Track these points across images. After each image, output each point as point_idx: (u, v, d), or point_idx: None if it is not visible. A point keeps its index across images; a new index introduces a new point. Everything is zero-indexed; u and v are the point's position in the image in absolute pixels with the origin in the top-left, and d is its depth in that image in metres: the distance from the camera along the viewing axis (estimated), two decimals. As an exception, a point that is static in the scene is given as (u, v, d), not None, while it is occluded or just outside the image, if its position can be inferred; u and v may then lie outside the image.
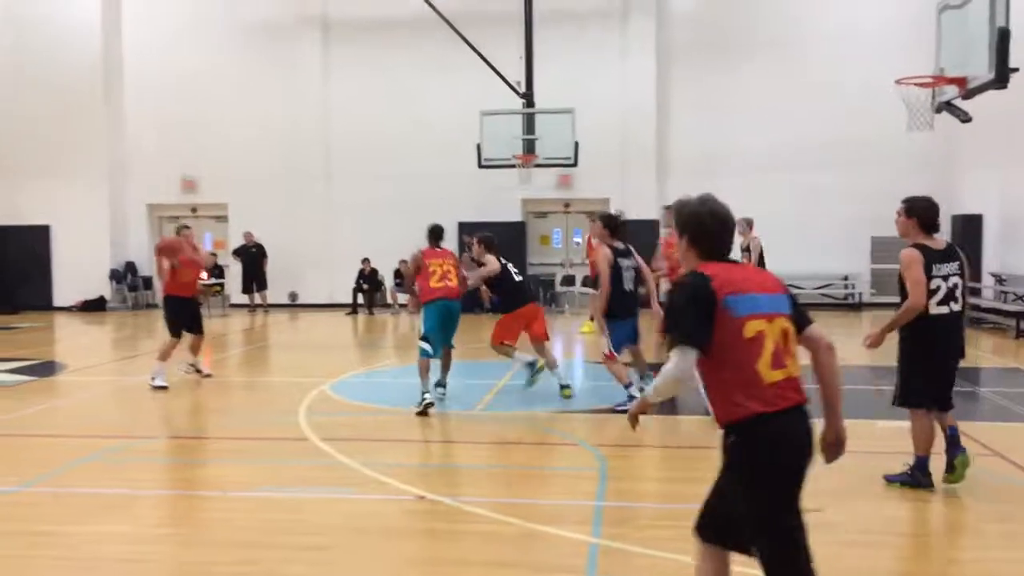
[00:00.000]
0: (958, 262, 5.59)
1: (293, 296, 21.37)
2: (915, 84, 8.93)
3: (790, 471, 3.08)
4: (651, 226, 16.18)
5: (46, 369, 12.11)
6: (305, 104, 20.96)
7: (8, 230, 21.40)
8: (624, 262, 8.29)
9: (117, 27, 21.41)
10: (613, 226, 8.46)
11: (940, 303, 5.49)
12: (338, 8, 20.91)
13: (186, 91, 21.05)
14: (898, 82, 9.08)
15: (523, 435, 7.78)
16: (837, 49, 19.06)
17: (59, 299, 21.42)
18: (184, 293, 10.44)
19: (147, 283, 21.80)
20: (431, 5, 17.70)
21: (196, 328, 10.66)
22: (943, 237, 5.77)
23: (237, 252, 20.75)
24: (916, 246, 5.55)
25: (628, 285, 8.29)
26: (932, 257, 5.50)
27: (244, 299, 20.78)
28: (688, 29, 20.15)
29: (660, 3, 20.15)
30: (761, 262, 13.07)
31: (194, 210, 21.95)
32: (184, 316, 10.44)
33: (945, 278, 5.49)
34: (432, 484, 6.07)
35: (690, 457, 6.79)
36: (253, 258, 20.60)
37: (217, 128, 20.99)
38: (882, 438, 6.96)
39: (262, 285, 20.61)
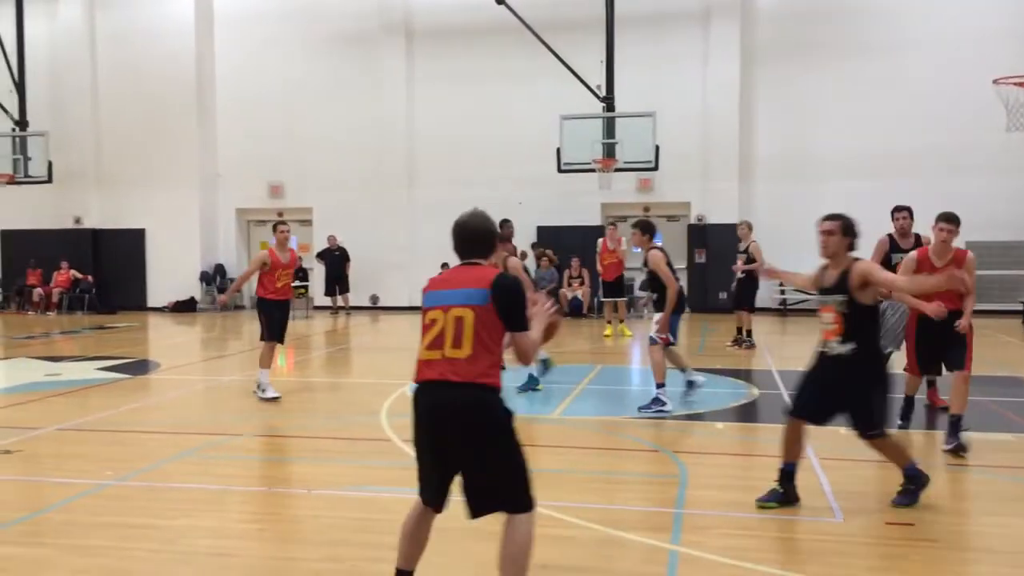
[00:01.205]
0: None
1: (375, 299, 21.74)
2: (1014, 83, 8.57)
3: (425, 434, 3.83)
4: (733, 230, 15.86)
5: (140, 368, 12.59)
6: (388, 110, 21.33)
7: (107, 234, 22.37)
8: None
9: (210, 43, 22.23)
10: (652, 232, 8.77)
11: None
12: (420, 16, 21.23)
13: (273, 100, 21.70)
14: (996, 82, 8.73)
15: (602, 440, 7.73)
16: (930, 52, 18.46)
17: (153, 300, 22.29)
18: (273, 296, 9.97)
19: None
20: (513, 11, 17.80)
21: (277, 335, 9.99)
22: None
23: (321, 255, 21.23)
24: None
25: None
26: None
27: (327, 301, 21.24)
28: (772, 30, 19.77)
29: (744, 4, 19.82)
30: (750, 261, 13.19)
31: (280, 214, 22.51)
32: (273, 320, 9.97)
33: None
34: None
35: (771, 466, 6.64)
36: (336, 261, 21.06)
37: (302, 135, 21.57)
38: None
39: (344, 288, 21.03)
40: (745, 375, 10.94)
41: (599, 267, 15.89)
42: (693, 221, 20.39)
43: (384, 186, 21.40)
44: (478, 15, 19.93)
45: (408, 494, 5.93)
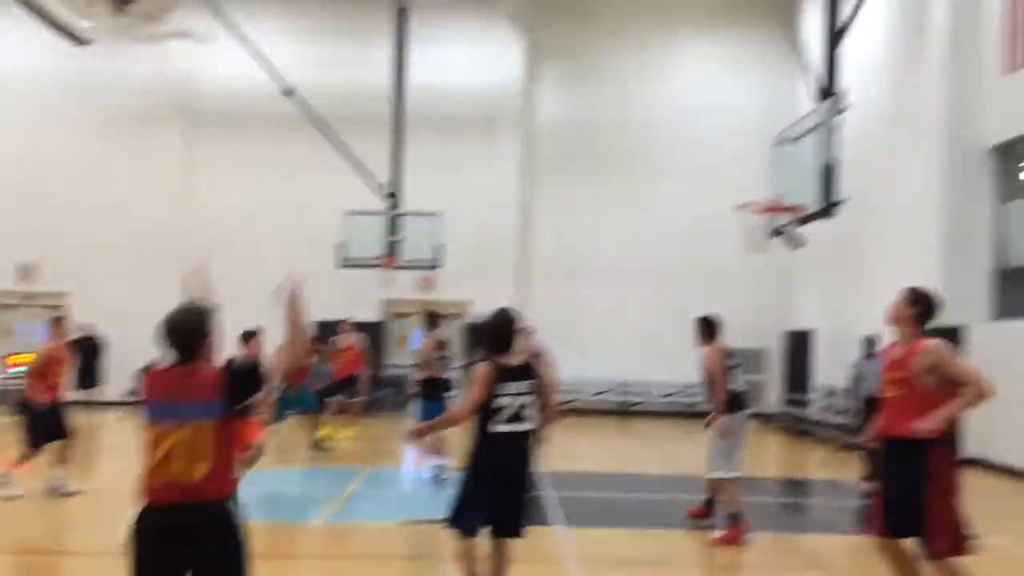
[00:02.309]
0: (529, 381, 5.33)
1: (133, 393, 20.15)
2: (752, 211, 9.56)
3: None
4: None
5: None
6: (165, 194, 20.37)
7: None
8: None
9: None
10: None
11: (506, 422, 5.17)
12: (204, 100, 20.66)
13: (33, 177, 20.09)
14: (737, 208, 9.71)
15: (369, 547, 7.46)
16: (689, 168, 20.40)
17: None
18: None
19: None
20: (303, 108, 17.70)
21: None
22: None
23: (72, 345, 19.45)
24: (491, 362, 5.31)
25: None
26: (502, 376, 5.23)
27: (77, 395, 19.41)
28: (552, 143, 21.04)
29: (526, 117, 20.99)
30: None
31: (30, 298, 20.60)
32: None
33: (516, 395, 5.21)
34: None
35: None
36: (90, 351, 19.38)
37: (65, 215, 20.05)
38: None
39: (97, 381, 19.36)
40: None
41: (334, 364, 14.33)
42: (472, 320, 20.79)
43: (156, 274, 20.12)
44: (266, 103, 19.57)
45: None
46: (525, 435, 5.22)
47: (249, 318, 19.45)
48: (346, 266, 17.57)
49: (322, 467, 11.74)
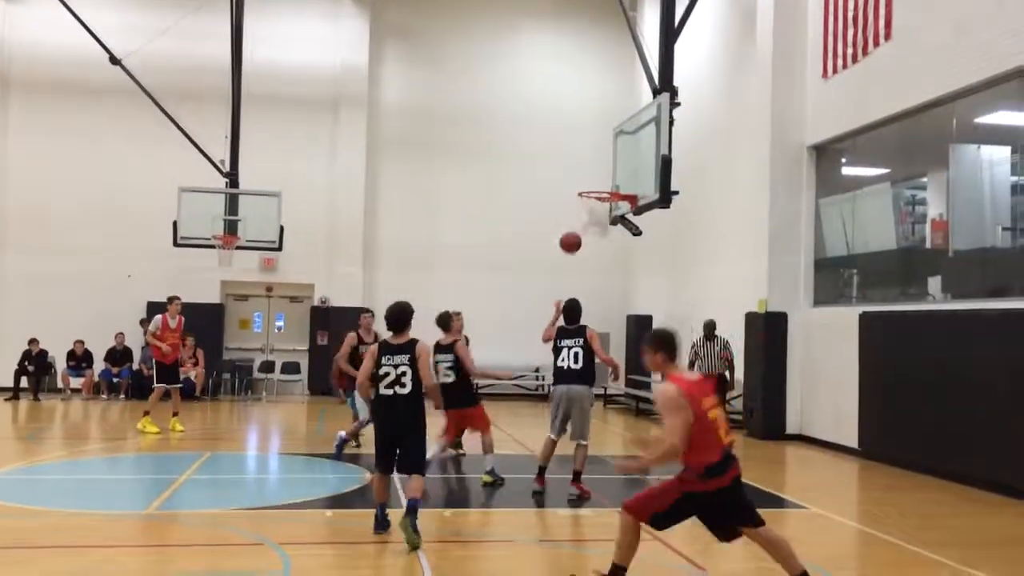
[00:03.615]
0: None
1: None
2: (595, 198, 9.87)
3: None
4: (356, 313, 16.15)
5: None
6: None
7: None
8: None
9: None
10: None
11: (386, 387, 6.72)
12: (21, 64, 19.20)
13: None
14: (580, 195, 9.99)
15: (200, 535, 7.22)
16: (531, 156, 20.78)
17: None
18: None
19: None
20: (130, 75, 16.74)
21: None
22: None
23: None
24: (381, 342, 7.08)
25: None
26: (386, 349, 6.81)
27: None
28: (396, 126, 20.87)
29: (370, 98, 20.70)
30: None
31: None
32: None
33: (396, 366, 6.70)
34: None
35: (361, 554, 6.69)
36: None
37: None
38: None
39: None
40: (356, 460, 10.96)
41: (162, 348, 12.88)
42: (316, 303, 20.40)
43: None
44: (94, 72, 18.36)
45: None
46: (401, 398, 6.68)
47: (66, 298, 18.53)
48: (181, 245, 16.80)
49: (162, 453, 11.29)
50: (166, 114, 16.94)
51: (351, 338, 11.13)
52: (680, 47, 10.48)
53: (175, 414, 12.99)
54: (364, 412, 10.16)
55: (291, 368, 20.23)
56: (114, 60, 16.74)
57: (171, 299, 13.19)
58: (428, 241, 20.55)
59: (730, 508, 5.01)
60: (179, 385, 13.33)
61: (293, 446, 12.77)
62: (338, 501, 8.57)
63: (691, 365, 12.93)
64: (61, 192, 19.08)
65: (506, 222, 20.61)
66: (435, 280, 19.92)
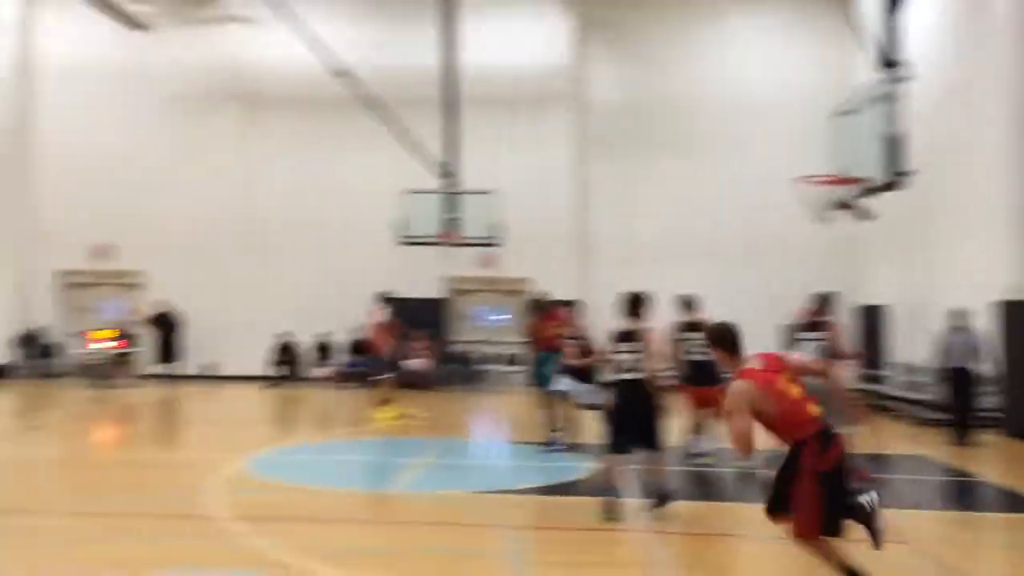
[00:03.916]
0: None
1: (209, 367, 20.86)
2: (813, 184, 9.47)
3: None
4: (570, 306, 16.44)
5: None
6: (225, 175, 20.93)
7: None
8: None
9: (31, 97, 21.21)
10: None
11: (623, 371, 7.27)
12: (259, 83, 21.10)
13: (105, 160, 20.82)
14: (797, 181, 9.60)
15: (445, 515, 7.71)
16: (747, 145, 20.15)
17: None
18: None
19: (54, 350, 21.04)
20: (355, 90, 17.89)
21: None
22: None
23: (151, 320, 20.25)
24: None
25: None
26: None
27: (158, 369, 20.20)
28: (605, 121, 20.95)
29: (577, 95, 20.94)
30: None
31: (107, 277, 21.45)
32: None
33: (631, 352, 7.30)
34: (345, 566, 5.96)
35: (592, 540, 6.83)
36: (168, 326, 20.13)
37: (137, 197, 20.76)
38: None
39: (176, 355, 20.10)
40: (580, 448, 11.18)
41: (379, 341, 14.02)
42: (534, 297, 20.91)
43: (221, 252, 20.81)
44: (319, 85, 19.70)
45: (218, 575, 5.72)
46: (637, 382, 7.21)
47: (309, 293, 20.15)
48: (404, 243, 17.83)
49: (396, 438, 12.10)
50: (384, 122, 17.97)
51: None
52: (905, 14, 9.78)
53: (387, 402, 13.64)
54: (585, 397, 10.21)
55: (511, 360, 20.91)
56: (339, 73, 17.97)
57: (379, 297, 14.14)
58: (641, 235, 20.48)
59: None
60: (393, 375, 14.01)
61: (518, 434, 13.24)
62: (566, 488, 8.78)
63: (942, 360, 11.95)
64: (298, 197, 20.77)
65: (719, 211, 20.16)
66: (650, 274, 19.76)
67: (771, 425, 4.94)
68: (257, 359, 20.27)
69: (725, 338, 5.23)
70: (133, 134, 20.94)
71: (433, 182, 17.98)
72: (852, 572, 4.92)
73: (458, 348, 20.97)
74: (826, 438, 4.87)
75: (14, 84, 20.84)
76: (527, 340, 12.35)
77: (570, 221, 20.65)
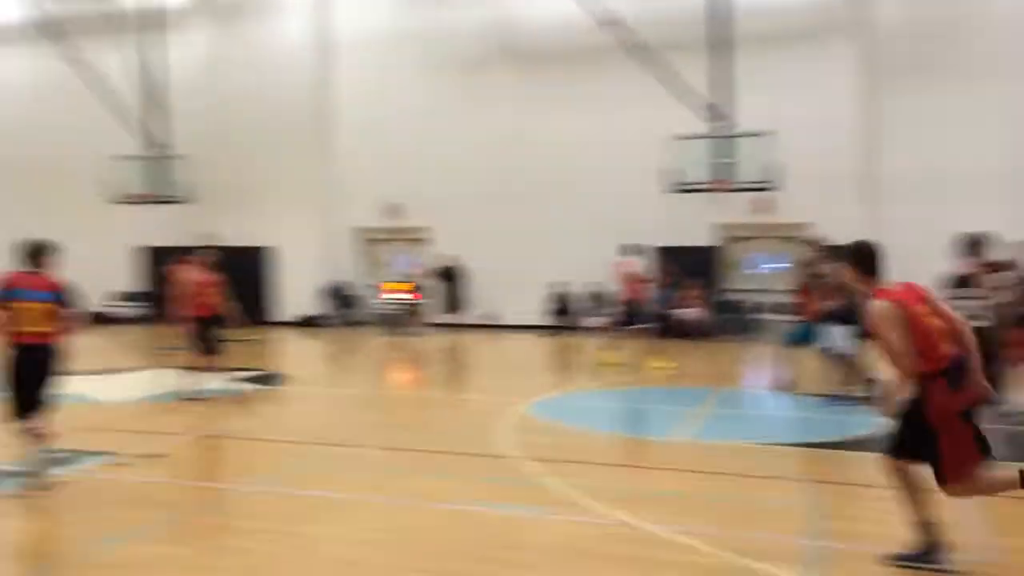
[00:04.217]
0: None
1: (490, 316, 22.04)
2: None
3: None
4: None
5: (272, 380, 13.19)
6: (502, 131, 21.66)
7: (238, 251, 23.47)
8: None
9: (329, 68, 23.09)
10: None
11: None
12: (527, 40, 21.55)
13: (391, 122, 22.35)
14: None
15: (731, 465, 7.62)
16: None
17: (282, 315, 23.24)
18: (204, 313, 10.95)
19: (356, 301, 23.24)
20: (622, 38, 17.81)
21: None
22: None
23: (437, 273, 21.72)
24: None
25: None
26: None
27: (443, 319, 21.67)
28: (898, 46, 19.08)
29: (865, 21, 19.24)
30: None
31: (399, 233, 23.26)
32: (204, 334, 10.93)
33: None
34: (635, 510, 6.09)
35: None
36: (452, 279, 21.50)
37: (420, 155, 22.13)
38: None
39: (461, 305, 21.43)
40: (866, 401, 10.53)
41: (629, 290, 14.69)
42: (812, 242, 19.82)
43: (500, 206, 21.72)
44: (586, 36, 19.89)
45: (527, 511, 6.07)
46: None
47: (581, 243, 20.51)
48: (676, 191, 17.56)
49: (670, 388, 12.10)
50: (650, 67, 17.70)
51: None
52: None
53: (648, 352, 14.22)
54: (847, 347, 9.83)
55: (786, 309, 20.03)
56: (605, 22, 17.92)
57: (628, 248, 14.74)
58: (940, 172, 18.59)
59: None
60: (651, 325, 14.82)
61: (802, 386, 12.72)
62: (860, 444, 8.30)
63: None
64: (566, 149, 21.05)
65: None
66: (947, 214, 18.00)
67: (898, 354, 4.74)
68: (534, 309, 21.08)
69: (862, 254, 5.18)
70: (418, 96, 22.27)
71: (702, 127, 17.53)
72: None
73: (732, 297, 20.44)
74: (957, 372, 4.70)
75: (314, 58, 22.93)
76: (795, 303, 11.68)
77: (855, 159, 19.18)
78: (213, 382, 11.16)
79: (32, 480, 6.63)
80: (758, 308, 20.02)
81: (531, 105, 21.58)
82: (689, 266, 19.46)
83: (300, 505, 6.30)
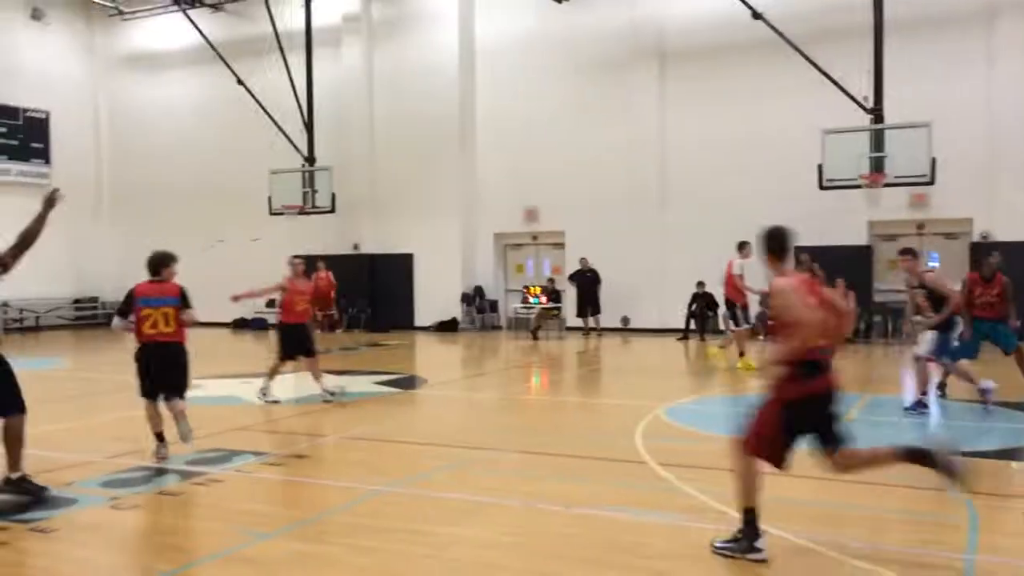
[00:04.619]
0: None
1: (625, 320, 21.78)
2: None
3: None
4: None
5: (410, 383, 13.47)
6: (639, 133, 21.38)
7: (380, 258, 24.23)
8: None
9: (471, 77, 23.45)
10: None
11: None
12: (672, 37, 21.13)
13: (527, 128, 22.49)
14: None
15: (878, 475, 7.14)
16: None
17: (419, 320, 23.79)
18: (293, 320, 11.25)
19: (493, 306, 23.48)
20: (771, 26, 17.24)
21: (307, 352, 11.23)
22: None
23: (572, 277, 21.64)
24: None
25: None
26: None
27: (579, 323, 21.56)
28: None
29: (1035, -3, 17.81)
30: None
31: (535, 238, 23.35)
32: (292, 341, 11.18)
33: None
34: (773, 518, 5.79)
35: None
36: (588, 283, 21.35)
37: (556, 160, 22.14)
38: None
39: (596, 309, 21.26)
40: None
41: (733, 289, 14.76)
42: (976, 239, 18.52)
43: (635, 209, 21.44)
44: (731, 32, 19.48)
45: (662, 518, 5.88)
46: None
47: (722, 245, 19.91)
48: (827, 188, 16.79)
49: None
50: (805, 57, 17.01)
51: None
52: None
53: (741, 354, 14.26)
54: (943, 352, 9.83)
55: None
56: (756, 15, 17.40)
57: (744, 244, 14.23)
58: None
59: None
60: (750, 326, 14.83)
61: (950, 393, 11.86)
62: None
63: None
64: (710, 149, 20.53)
65: None
66: None
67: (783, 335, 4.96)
68: (671, 311, 20.65)
69: (774, 239, 5.24)
70: (558, 100, 22.27)
71: (855, 120, 16.69)
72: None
73: (883, 298, 19.35)
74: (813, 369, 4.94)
75: (460, 68, 23.29)
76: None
77: (1019, 149, 17.78)
78: (355, 386, 11.49)
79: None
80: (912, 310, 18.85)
81: (674, 104, 21.22)
82: (839, 266, 18.53)
83: (435, 506, 6.34)
